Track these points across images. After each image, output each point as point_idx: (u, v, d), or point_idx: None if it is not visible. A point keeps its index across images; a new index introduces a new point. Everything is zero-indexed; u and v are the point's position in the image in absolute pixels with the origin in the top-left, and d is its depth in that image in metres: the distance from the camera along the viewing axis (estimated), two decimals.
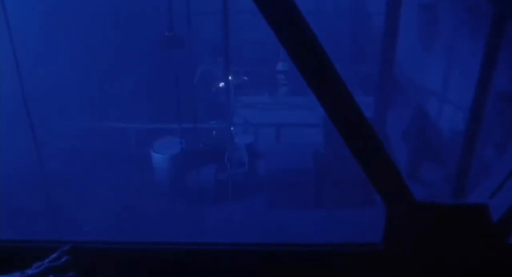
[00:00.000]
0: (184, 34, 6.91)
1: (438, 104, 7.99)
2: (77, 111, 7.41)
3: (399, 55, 8.02)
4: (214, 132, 8.57)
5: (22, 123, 6.74)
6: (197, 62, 10.08)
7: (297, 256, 2.03)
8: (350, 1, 11.08)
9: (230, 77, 8.39)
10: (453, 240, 1.87)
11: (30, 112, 5.69)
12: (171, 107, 8.67)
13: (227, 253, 2.03)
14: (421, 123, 8.12)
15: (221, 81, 9.77)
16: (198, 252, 2.00)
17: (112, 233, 6.33)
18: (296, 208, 7.37)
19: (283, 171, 7.39)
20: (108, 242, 1.97)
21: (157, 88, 8.89)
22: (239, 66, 10.44)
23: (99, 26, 7.86)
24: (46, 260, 1.71)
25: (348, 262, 2.01)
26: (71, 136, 7.37)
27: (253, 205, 7.51)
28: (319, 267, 2.03)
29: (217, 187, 7.63)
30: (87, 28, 7.53)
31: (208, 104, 9.63)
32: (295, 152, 7.66)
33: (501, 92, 6.22)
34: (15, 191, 6.42)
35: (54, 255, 1.72)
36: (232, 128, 8.57)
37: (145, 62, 8.90)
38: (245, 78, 10.90)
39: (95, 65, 7.66)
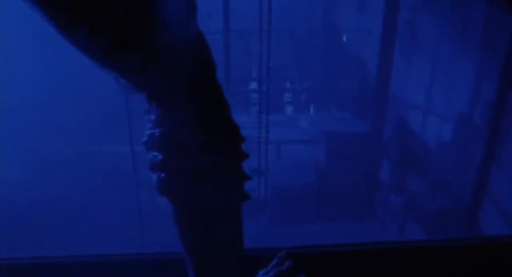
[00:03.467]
0: None
1: (422, 115, 8.29)
2: (74, 135, 7.22)
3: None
4: None
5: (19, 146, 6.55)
6: None
7: (472, 248, 2.08)
8: (323, 18, 11.36)
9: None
10: None
11: None
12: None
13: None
14: (403, 134, 8.40)
15: None
16: None
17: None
18: (299, 223, 7.43)
19: (285, 187, 7.44)
20: (321, 246, 1.96)
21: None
22: None
23: None
24: (270, 266, 1.71)
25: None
26: (70, 160, 7.17)
27: (256, 222, 7.49)
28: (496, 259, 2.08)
29: None
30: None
31: None
32: (295, 168, 7.74)
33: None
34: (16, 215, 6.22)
35: (275, 262, 1.73)
36: None
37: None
38: None
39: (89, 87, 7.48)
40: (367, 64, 9.69)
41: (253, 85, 11.51)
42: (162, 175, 1.27)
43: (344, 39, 10.67)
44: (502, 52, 6.01)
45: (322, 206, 7.54)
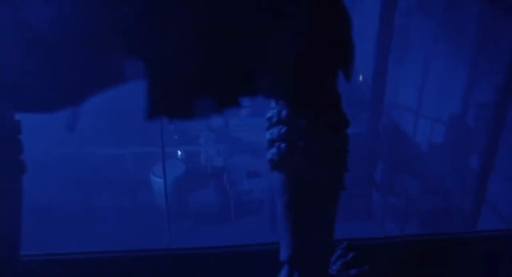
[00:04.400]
0: None
1: (414, 118, 8.33)
2: (71, 137, 7.21)
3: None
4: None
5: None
6: None
7: None
8: None
9: None
10: None
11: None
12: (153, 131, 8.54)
13: None
14: (397, 136, 8.42)
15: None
16: None
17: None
18: None
19: None
20: (378, 238, 2.00)
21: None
22: None
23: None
24: (334, 257, 1.82)
25: None
26: (67, 163, 7.16)
27: (256, 222, 7.50)
28: None
29: (219, 207, 7.60)
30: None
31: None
32: None
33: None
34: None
35: (339, 253, 1.85)
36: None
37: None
38: None
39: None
40: (357, 67, 9.68)
41: None
42: (282, 145, 1.46)
43: None
44: (496, 55, 6.05)
45: None
